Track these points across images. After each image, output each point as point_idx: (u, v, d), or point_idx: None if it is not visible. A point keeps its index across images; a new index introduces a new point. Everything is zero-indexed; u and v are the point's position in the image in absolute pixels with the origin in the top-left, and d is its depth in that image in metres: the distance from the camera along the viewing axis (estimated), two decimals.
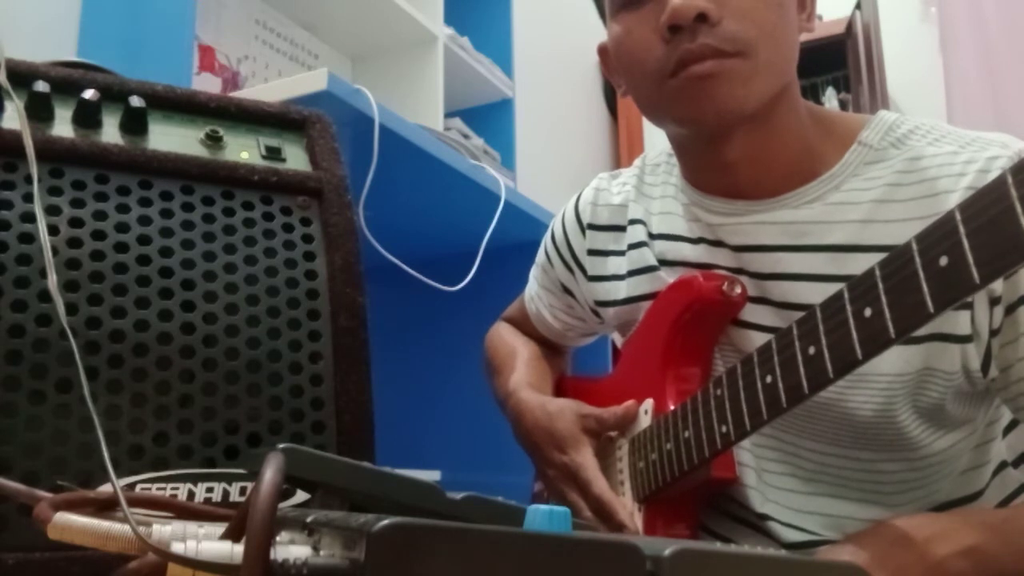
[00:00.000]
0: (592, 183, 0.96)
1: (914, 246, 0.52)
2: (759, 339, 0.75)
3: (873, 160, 0.74)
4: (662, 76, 0.72)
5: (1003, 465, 0.76)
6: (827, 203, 0.74)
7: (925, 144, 0.73)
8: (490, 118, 2.21)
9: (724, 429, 0.67)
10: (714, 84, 0.70)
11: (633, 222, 0.88)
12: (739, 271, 0.78)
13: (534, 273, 1.03)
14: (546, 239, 1.00)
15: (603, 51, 0.83)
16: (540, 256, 1.01)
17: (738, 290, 0.76)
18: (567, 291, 0.97)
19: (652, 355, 0.81)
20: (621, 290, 0.87)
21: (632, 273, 0.86)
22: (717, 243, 0.79)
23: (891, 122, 0.76)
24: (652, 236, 0.85)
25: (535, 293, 1.02)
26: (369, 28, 1.89)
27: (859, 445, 0.73)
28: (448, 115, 1.96)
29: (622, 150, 3.10)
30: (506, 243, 1.44)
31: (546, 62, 2.71)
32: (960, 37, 2.82)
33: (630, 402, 0.80)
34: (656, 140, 0.94)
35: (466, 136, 1.97)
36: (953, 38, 2.84)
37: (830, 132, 0.77)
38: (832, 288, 0.71)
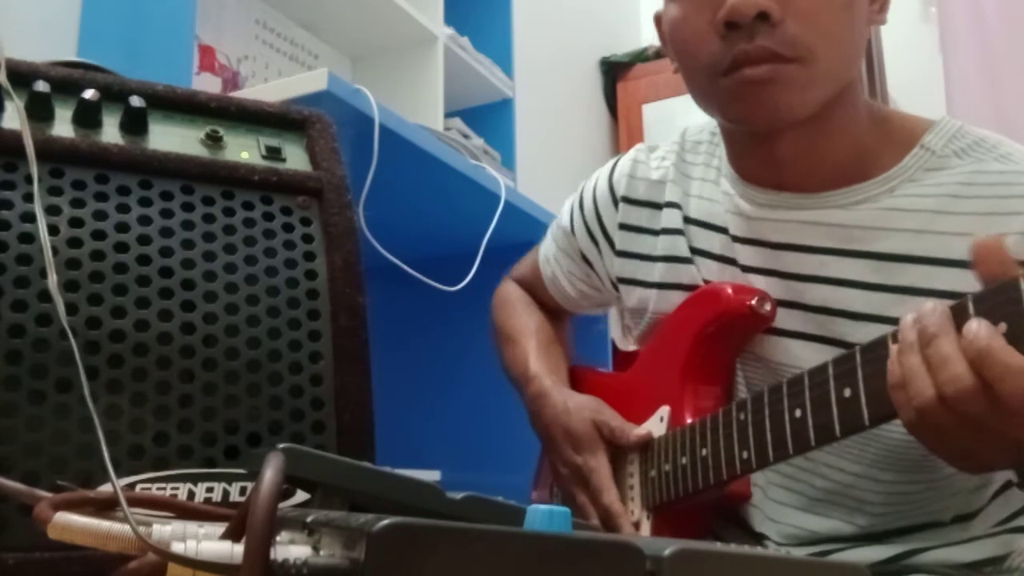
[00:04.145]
0: (629, 154, 0.92)
1: (971, 307, 0.51)
2: (789, 346, 0.73)
3: (934, 167, 0.71)
4: (715, 73, 0.68)
5: (1007, 485, 0.74)
6: (879, 207, 0.71)
7: (991, 159, 0.70)
8: (490, 118, 2.21)
9: (745, 455, 0.65)
10: (768, 90, 0.66)
11: (669, 205, 0.84)
12: (771, 272, 0.74)
13: (553, 233, 0.98)
14: (572, 205, 0.95)
15: (659, 20, 0.79)
16: (563, 219, 0.96)
17: (767, 307, 0.73)
18: (586, 260, 0.93)
19: (672, 362, 0.79)
20: (653, 273, 0.84)
21: (664, 259, 0.83)
22: (754, 241, 0.76)
23: (955, 129, 0.73)
24: (688, 220, 0.82)
25: (552, 255, 0.97)
26: (369, 28, 1.89)
27: (883, 465, 0.70)
28: (448, 115, 1.96)
29: (622, 150, 3.09)
30: (506, 243, 1.43)
31: (546, 62, 2.71)
32: (960, 37, 2.82)
33: (647, 431, 0.77)
34: (656, 141, 0.92)
35: (466, 136, 1.96)
36: (953, 38, 2.84)
37: (888, 133, 0.74)
38: (877, 297, 0.69)
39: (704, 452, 0.69)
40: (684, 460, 0.72)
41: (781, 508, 0.75)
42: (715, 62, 0.68)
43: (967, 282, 0.65)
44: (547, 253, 0.99)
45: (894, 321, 0.67)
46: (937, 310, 0.52)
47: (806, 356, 0.72)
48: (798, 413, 0.61)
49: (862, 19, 0.70)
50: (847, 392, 0.57)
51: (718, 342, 0.77)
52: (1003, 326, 0.49)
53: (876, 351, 0.56)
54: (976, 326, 0.49)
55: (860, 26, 0.69)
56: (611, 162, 0.93)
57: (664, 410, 0.78)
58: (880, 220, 0.71)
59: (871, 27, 0.72)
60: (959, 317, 0.51)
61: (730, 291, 0.75)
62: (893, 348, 0.54)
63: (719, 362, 0.78)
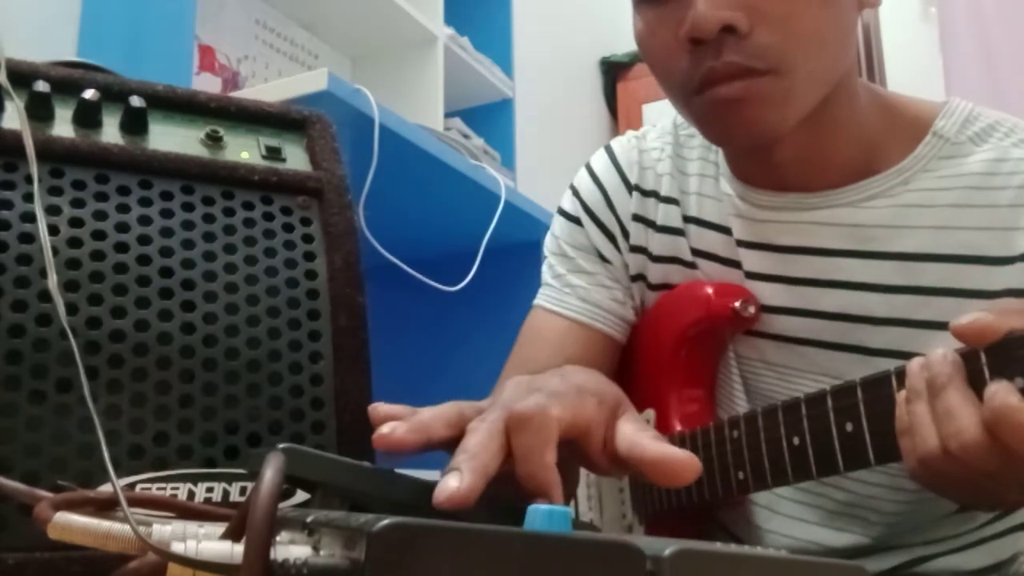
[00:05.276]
0: (627, 141, 0.84)
1: (984, 358, 0.49)
2: (804, 352, 0.71)
3: (948, 155, 0.67)
4: (687, 91, 0.64)
5: None
6: (896, 204, 0.67)
7: (1010, 144, 0.66)
8: (490, 118, 2.21)
9: (741, 476, 0.63)
10: (743, 108, 0.61)
11: (667, 200, 0.79)
12: (779, 278, 0.71)
13: (553, 272, 0.84)
14: (571, 206, 0.84)
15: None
16: (559, 231, 0.84)
17: (751, 310, 0.71)
18: (604, 259, 0.82)
19: (654, 364, 0.77)
20: (652, 273, 0.80)
21: (662, 259, 0.79)
22: (760, 245, 0.72)
23: (968, 112, 0.69)
24: (688, 219, 0.77)
25: (564, 282, 0.81)
26: (369, 28, 1.89)
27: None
28: (448, 115, 1.97)
29: None
30: (506, 243, 1.44)
31: (546, 62, 2.71)
32: (960, 37, 2.83)
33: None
34: None
35: (466, 136, 1.97)
36: (953, 38, 2.85)
37: (895, 122, 0.70)
38: (900, 300, 0.67)
39: None
40: None
41: (795, 523, 0.73)
42: (685, 80, 0.63)
43: (994, 279, 0.63)
44: (553, 293, 0.82)
45: (919, 324, 0.66)
46: (947, 359, 0.50)
47: (822, 362, 0.70)
48: (796, 441, 0.59)
49: (848, 8, 0.64)
50: (849, 427, 0.55)
51: (700, 345, 0.75)
52: (1020, 381, 0.47)
53: (879, 389, 0.54)
54: (995, 387, 0.47)
55: (846, 17, 0.64)
56: (603, 152, 0.85)
57: (649, 414, 0.76)
58: (898, 218, 0.67)
59: (863, 11, 0.66)
60: (970, 364, 0.49)
61: (712, 292, 0.72)
62: (900, 394, 0.52)
63: (702, 364, 0.76)
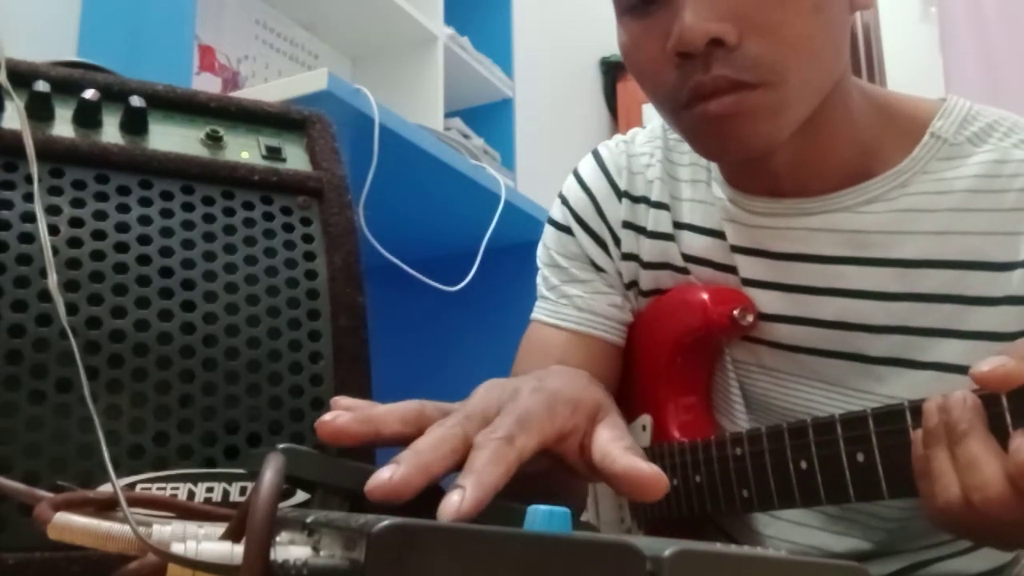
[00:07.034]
0: (615, 146, 0.82)
1: (1006, 402, 0.48)
2: (802, 360, 0.70)
3: (947, 156, 0.66)
4: (675, 105, 0.62)
5: None
6: (895, 208, 0.66)
7: (1010, 145, 0.65)
8: (490, 118, 2.21)
9: (745, 494, 0.62)
10: (734, 123, 0.59)
11: (658, 206, 0.78)
12: (776, 285, 0.70)
13: (547, 284, 0.83)
14: (561, 215, 0.84)
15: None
16: (550, 241, 0.84)
17: (750, 319, 0.70)
18: (597, 267, 0.81)
19: (650, 370, 0.76)
20: (643, 279, 0.79)
21: (653, 266, 0.78)
22: (755, 251, 0.71)
23: (966, 112, 0.68)
24: (679, 225, 0.76)
25: (560, 293, 0.81)
26: (369, 28, 1.90)
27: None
28: (448, 115, 1.97)
29: None
30: (506, 243, 1.44)
31: (546, 62, 2.71)
32: (960, 37, 2.83)
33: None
34: None
35: (466, 136, 1.97)
36: (953, 38, 2.85)
37: (892, 123, 0.68)
38: (899, 307, 0.65)
39: (698, 479, 0.66)
40: (676, 481, 0.69)
41: (795, 528, 0.73)
42: (673, 95, 0.61)
43: (996, 285, 0.62)
44: (548, 307, 0.82)
45: (919, 331, 0.65)
46: (967, 403, 0.48)
47: (821, 369, 0.70)
48: (803, 465, 0.58)
49: (840, 12, 0.61)
50: (860, 457, 0.54)
51: (696, 351, 0.74)
52: None
53: (892, 423, 0.53)
54: (1020, 440, 0.45)
55: (838, 21, 0.61)
56: (591, 158, 0.84)
57: (646, 419, 0.75)
58: (897, 223, 0.66)
59: (858, 11, 0.64)
60: (990, 409, 0.48)
61: (708, 299, 0.71)
62: (916, 433, 0.51)
63: (698, 370, 0.75)
